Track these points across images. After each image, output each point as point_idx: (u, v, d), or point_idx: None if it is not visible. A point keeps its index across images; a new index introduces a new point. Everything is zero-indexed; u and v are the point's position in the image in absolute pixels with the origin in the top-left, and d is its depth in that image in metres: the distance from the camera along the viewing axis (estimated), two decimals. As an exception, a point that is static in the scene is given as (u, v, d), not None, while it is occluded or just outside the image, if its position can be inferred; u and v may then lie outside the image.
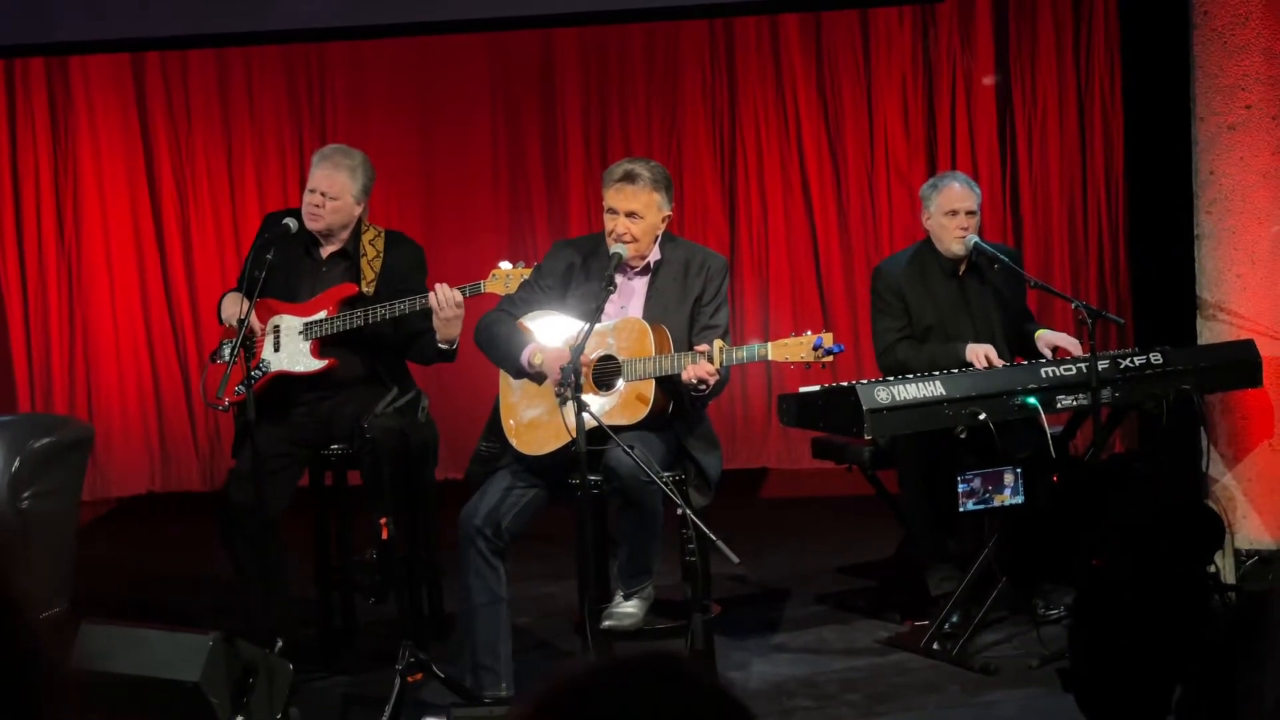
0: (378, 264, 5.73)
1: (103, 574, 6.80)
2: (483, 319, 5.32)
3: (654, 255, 5.27)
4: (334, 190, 5.68)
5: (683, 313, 5.22)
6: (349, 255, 5.78)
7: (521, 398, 5.24)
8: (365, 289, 5.69)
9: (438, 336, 5.52)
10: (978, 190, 6.16)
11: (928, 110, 8.39)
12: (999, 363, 5.88)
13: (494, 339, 5.23)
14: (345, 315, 5.64)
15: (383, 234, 5.82)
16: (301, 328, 5.68)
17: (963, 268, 6.16)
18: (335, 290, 5.72)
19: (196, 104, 8.44)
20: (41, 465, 5.65)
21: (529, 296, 5.29)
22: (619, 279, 5.11)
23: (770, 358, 5.00)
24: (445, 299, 5.40)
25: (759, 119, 8.44)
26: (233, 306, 5.72)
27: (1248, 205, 6.32)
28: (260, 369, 5.64)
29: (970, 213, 6.08)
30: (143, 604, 6.35)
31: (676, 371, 5.00)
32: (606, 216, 5.20)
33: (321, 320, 5.66)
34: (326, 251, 5.79)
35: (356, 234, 5.77)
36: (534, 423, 5.19)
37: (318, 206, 5.68)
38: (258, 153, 8.48)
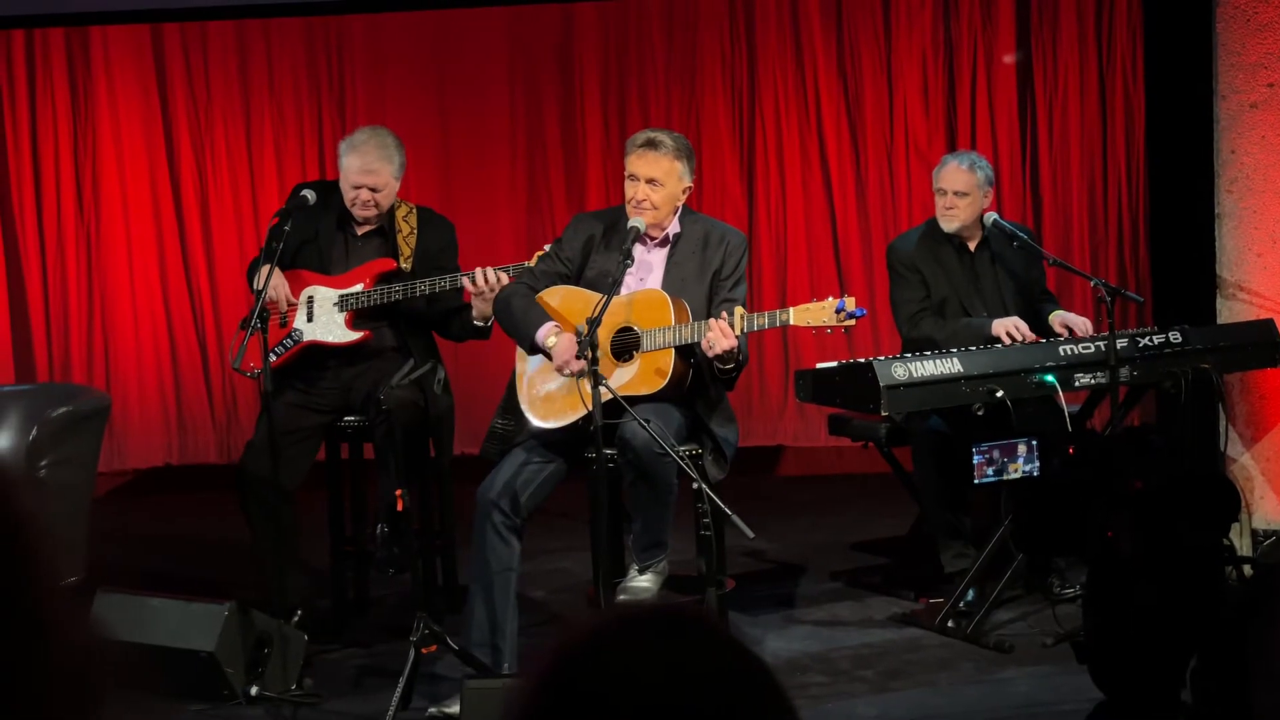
0: (413, 240, 5.72)
1: (119, 544, 6.82)
2: (501, 291, 5.31)
3: (673, 228, 5.24)
4: (378, 183, 5.64)
5: (701, 286, 5.18)
6: (384, 232, 5.76)
7: (539, 370, 5.22)
8: (404, 265, 5.69)
9: (474, 313, 5.52)
10: (981, 173, 6.06)
11: (948, 88, 8.35)
12: (1030, 335, 5.84)
13: (510, 312, 5.21)
14: (382, 289, 5.63)
15: (414, 210, 5.80)
16: (337, 299, 5.68)
17: (973, 244, 6.14)
18: (373, 264, 5.72)
19: (216, 76, 8.43)
20: (58, 434, 5.66)
21: (549, 269, 5.27)
22: (637, 251, 5.08)
23: (792, 322, 4.93)
24: (489, 283, 5.39)
25: (778, 95, 8.40)
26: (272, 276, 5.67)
27: (1269, 184, 6.30)
28: (292, 338, 5.65)
29: (959, 194, 6.02)
30: (159, 574, 6.35)
31: (696, 340, 4.95)
32: (627, 184, 5.17)
33: (357, 293, 5.66)
34: (362, 229, 5.78)
35: (390, 210, 5.76)
36: (551, 395, 5.17)
37: (366, 202, 5.66)
38: (276, 124, 8.47)
